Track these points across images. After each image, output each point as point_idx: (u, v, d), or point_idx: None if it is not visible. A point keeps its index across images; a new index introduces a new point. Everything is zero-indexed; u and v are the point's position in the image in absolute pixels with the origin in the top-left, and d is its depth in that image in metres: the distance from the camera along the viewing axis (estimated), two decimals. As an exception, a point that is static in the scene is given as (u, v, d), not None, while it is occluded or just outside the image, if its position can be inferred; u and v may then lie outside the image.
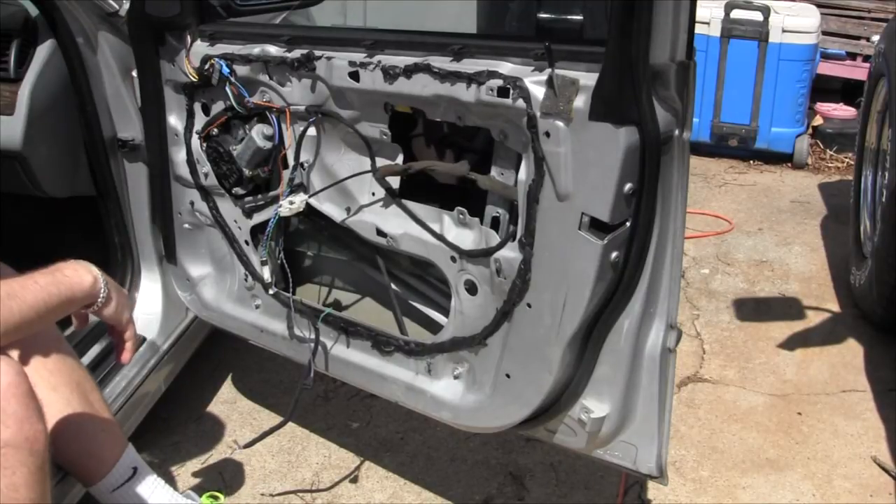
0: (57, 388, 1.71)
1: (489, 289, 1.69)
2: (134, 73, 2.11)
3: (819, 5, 5.10)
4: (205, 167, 2.05)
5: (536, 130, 1.47)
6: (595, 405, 1.64)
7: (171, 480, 2.28)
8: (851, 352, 2.93)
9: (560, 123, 1.45)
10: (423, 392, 1.86)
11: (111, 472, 1.79)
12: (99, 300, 1.55)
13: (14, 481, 1.29)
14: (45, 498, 1.35)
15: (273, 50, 1.83)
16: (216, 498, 2.04)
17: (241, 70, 1.89)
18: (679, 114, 1.46)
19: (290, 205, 1.91)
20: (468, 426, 1.84)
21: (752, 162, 4.94)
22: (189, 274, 2.24)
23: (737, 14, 4.68)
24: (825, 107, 5.16)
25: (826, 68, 5.32)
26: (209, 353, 2.73)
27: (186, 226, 2.19)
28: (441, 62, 1.58)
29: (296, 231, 2.13)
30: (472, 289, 1.72)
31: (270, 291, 2.06)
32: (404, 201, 1.78)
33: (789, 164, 4.88)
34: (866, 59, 5.19)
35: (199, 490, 2.24)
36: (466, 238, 1.70)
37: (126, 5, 2.08)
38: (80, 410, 1.74)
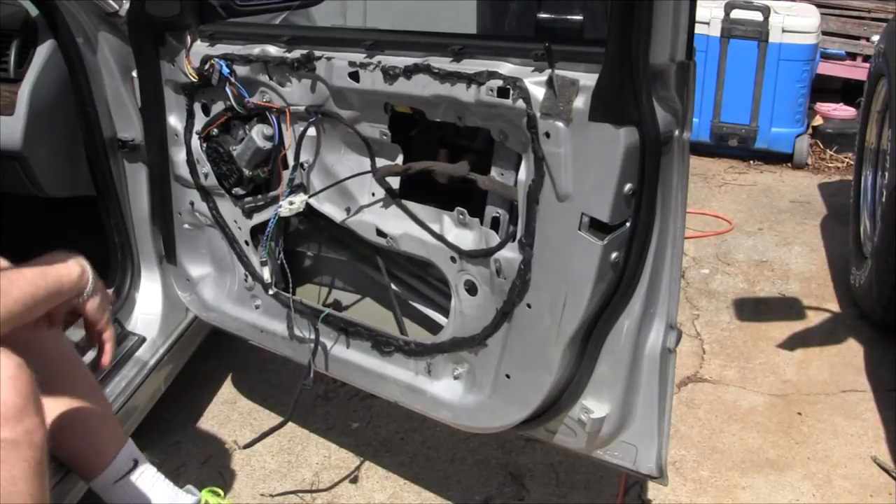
0: (57, 382, 1.71)
1: (489, 289, 1.69)
2: (134, 74, 2.11)
3: (819, 5, 5.09)
4: (205, 167, 2.05)
5: (536, 131, 1.47)
6: (595, 405, 1.64)
7: (171, 480, 2.28)
8: (851, 352, 2.93)
9: (560, 124, 1.45)
10: (422, 392, 1.86)
11: (112, 464, 1.79)
12: (85, 293, 1.54)
13: (13, 475, 1.29)
14: (44, 492, 1.35)
15: (273, 50, 1.83)
16: (217, 493, 2.04)
17: (241, 70, 1.89)
18: (679, 114, 1.46)
19: (290, 205, 1.90)
20: (468, 426, 1.84)
21: (752, 162, 4.94)
22: (189, 274, 2.24)
23: (737, 14, 4.68)
24: (825, 107, 5.16)
25: (826, 68, 5.32)
26: (209, 353, 2.73)
27: (186, 226, 2.19)
28: (441, 62, 1.58)
29: (296, 231, 2.13)
30: (472, 289, 1.72)
31: (270, 292, 2.06)
32: (404, 202, 1.78)
33: (789, 164, 4.88)
34: (866, 59, 5.19)
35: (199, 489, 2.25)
36: (466, 238, 1.70)
37: (126, 5, 2.07)
38: (80, 404, 1.74)
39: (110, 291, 1.73)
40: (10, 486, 1.28)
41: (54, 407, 1.67)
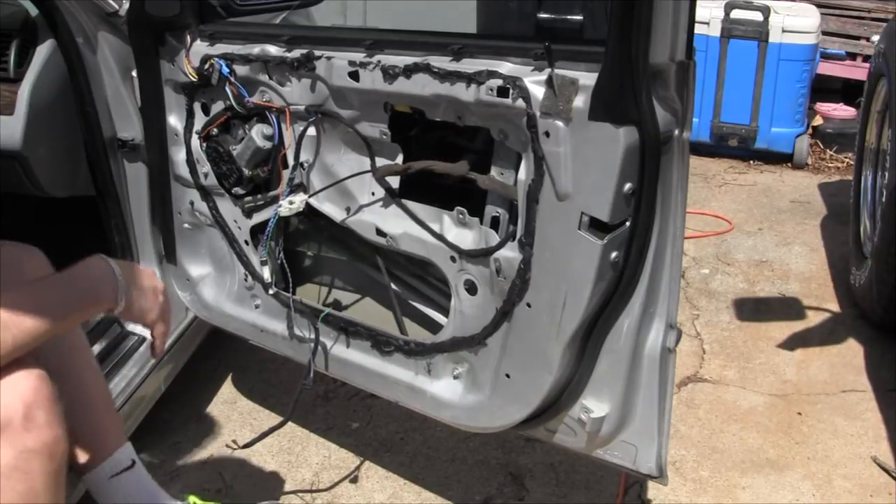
0: (66, 367, 1.69)
1: (489, 289, 1.69)
2: (134, 73, 2.11)
3: (819, 5, 5.09)
4: (204, 167, 2.06)
5: (536, 130, 1.47)
6: (595, 405, 1.64)
7: (171, 480, 2.28)
8: (851, 352, 2.93)
9: (560, 123, 1.45)
10: (422, 392, 1.86)
11: (112, 457, 1.77)
12: (116, 311, 1.49)
13: (33, 486, 1.29)
14: (61, 501, 1.35)
15: (273, 50, 1.83)
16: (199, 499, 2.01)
17: (241, 70, 1.89)
18: (679, 113, 1.46)
19: (290, 205, 1.91)
20: (468, 426, 1.84)
21: (752, 162, 4.94)
22: (189, 274, 2.24)
23: (737, 14, 4.68)
24: (825, 107, 5.16)
25: (826, 68, 5.32)
26: (209, 353, 2.73)
27: (186, 226, 2.20)
28: (441, 62, 1.58)
29: (296, 231, 2.13)
30: (471, 289, 1.72)
31: (270, 291, 2.06)
32: (404, 201, 1.78)
33: (789, 164, 4.88)
34: (866, 59, 5.19)
35: (199, 490, 2.25)
36: (466, 238, 1.70)
37: (126, 5, 2.08)
38: (88, 391, 1.74)
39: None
40: (31, 497, 1.28)
41: (62, 391, 1.66)
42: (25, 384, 1.30)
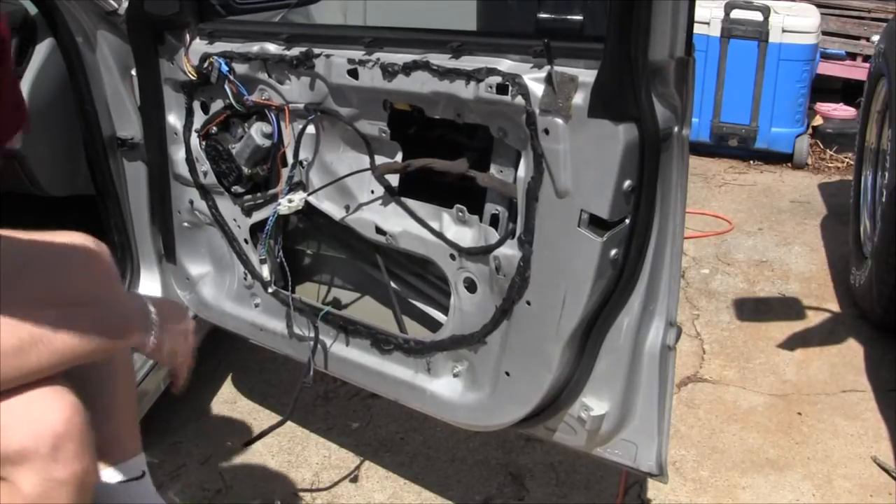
0: (112, 368, 1.68)
1: (488, 286, 1.68)
2: (133, 72, 2.11)
3: (819, 5, 5.10)
4: (204, 166, 2.05)
5: (535, 127, 1.47)
6: (595, 403, 1.64)
7: (171, 480, 2.28)
8: (851, 352, 2.92)
9: (559, 120, 1.44)
10: (422, 390, 1.85)
11: (126, 463, 1.76)
12: (145, 351, 1.47)
13: None
14: None
15: (272, 48, 1.83)
16: None
17: (240, 68, 1.89)
18: (678, 110, 1.46)
19: (290, 203, 1.90)
20: (468, 424, 1.84)
21: (752, 162, 4.94)
22: (188, 273, 2.24)
23: (737, 14, 4.68)
24: (825, 107, 5.16)
25: (826, 68, 5.32)
26: (209, 353, 2.72)
27: (186, 224, 2.19)
28: (440, 59, 1.58)
29: (295, 229, 2.13)
30: (471, 286, 1.72)
31: (270, 290, 2.06)
32: (403, 199, 1.78)
33: (789, 164, 4.88)
34: (866, 59, 5.19)
35: (199, 489, 2.24)
36: (466, 236, 1.70)
37: (125, 4, 2.08)
38: (121, 394, 1.72)
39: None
40: None
41: (97, 386, 1.63)
42: (56, 415, 1.28)
